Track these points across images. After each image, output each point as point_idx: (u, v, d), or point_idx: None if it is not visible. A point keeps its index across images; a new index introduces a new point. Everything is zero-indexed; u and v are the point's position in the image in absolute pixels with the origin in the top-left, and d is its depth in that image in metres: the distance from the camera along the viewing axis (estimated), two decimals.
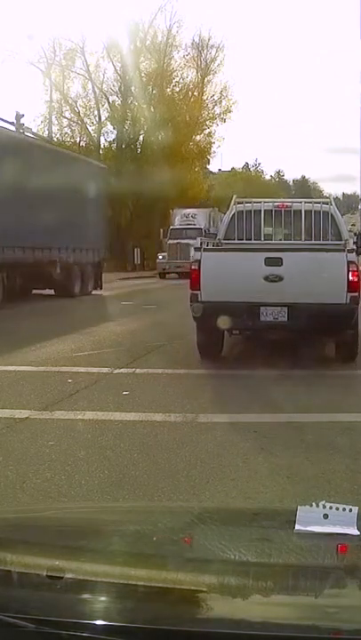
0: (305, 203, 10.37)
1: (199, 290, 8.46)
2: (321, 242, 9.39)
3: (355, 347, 8.73)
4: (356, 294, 8.28)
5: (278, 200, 11.47)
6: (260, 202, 10.40)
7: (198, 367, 8.48)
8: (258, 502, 4.06)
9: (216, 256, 8.93)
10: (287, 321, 8.34)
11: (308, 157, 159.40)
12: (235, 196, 10.44)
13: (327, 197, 10.69)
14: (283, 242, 9.58)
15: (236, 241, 9.61)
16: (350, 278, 8.22)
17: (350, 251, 8.54)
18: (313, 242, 9.43)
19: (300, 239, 9.62)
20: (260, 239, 9.69)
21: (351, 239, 9.69)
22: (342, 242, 9.03)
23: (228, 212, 10.36)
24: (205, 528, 1.84)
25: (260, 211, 9.88)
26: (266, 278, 8.31)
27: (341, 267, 8.28)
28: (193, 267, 8.63)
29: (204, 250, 8.81)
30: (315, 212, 9.74)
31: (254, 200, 10.54)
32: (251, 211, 9.85)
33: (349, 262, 8.31)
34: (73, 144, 41.40)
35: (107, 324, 13.19)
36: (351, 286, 8.21)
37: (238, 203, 10.13)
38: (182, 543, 1.71)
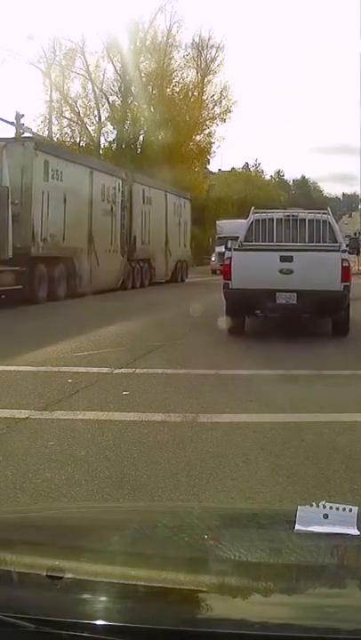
0: (308, 213, 13.06)
1: (230, 279, 11.07)
2: (321, 244, 11.86)
3: (347, 324, 11.29)
4: (348, 284, 10.92)
5: (288, 211, 14.72)
6: (273, 212, 13.39)
7: (198, 367, 8.49)
8: (258, 502, 4.06)
9: (243, 254, 11.43)
10: (296, 303, 10.84)
11: (309, 157, 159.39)
12: (253, 208, 13.20)
13: (326, 210, 13.21)
14: (292, 244, 11.80)
15: (254, 243, 12.09)
16: (344, 272, 10.82)
17: (344, 251, 11.23)
18: (315, 244, 11.89)
19: (305, 242, 11.98)
20: (273, 241, 12.05)
21: (345, 241, 12.20)
22: (337, 244, 11.60)
23: (247, 220, 12.90)
24: (205, 528, 1.84)
25: (273, 219, 12.56)
26: (280, 271, 10.85)
27: (337, 263, 10.87)
28: (226, 262, 11.25)
29: (234, 250, 11.38)
30: (316, 220, 12.37)
31: (268, 210, 13.55)
32: (266, 219, 12.57)
33: (343, 260, 10.94)
34: (73, 144, 41.44)
35: (107, 323, 13.18)
36: (344, 278, 10.82)
37: (256, 212, 12.77)
38: (182, 543, 1.71)
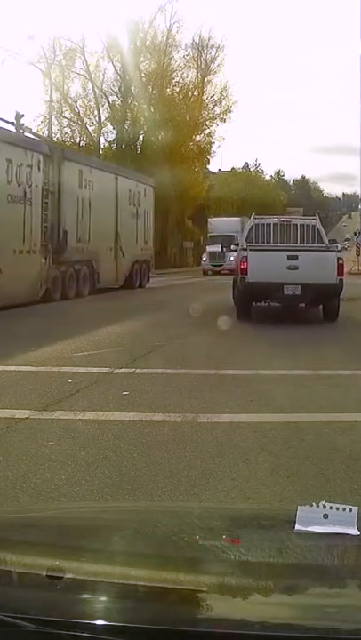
0: (299, 219, 16.36)
1: (246, 275, 13.25)
2: (316, 245, 14.35)
3: (337, 312, 13.70)
4: (342, 277, 13.38)
5: (282, 217, 16.99)
6: (270, 217, 15.95)
7: (198, 367, 8.49)
8: (258, 502, 4.06)
9: (257, 253, 13.60)
10: (300, 294, 13.25)
11: (309, 157, 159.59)
12: (253, 214, 15.64)
13: (314, 217, 16.00)
14: (296, 245, 14.18)
15: (254, 243, 14.20)
16: (339, 268, 13.28)
17: (338, 251, 14.10)
18: (312, 245, 14.32)
19: (297, 243, 14.34)
20: (270, 242, 14.37)
21: (339, 243, 15.80)
22: (323, 245, 14.35)
23: (248, 224, 15.39)
24: (205, 528, 1.84)
25: (270, 224, 14.96)
26: (288, 267, 13.15)
27: (333, 261, 13.39)
28: (242, 260, 13.45)
29: (250, 250, 13.60)
30: (306, 225, 14.95)
31: (266, 216, 16.19)
32: (263, 223, 14.97)
33: (338, 258, 13.54)
34: (73, 144, 41.45)
35: (106, 324, 13.18)
36: (339, 272, 13.26)
37: (256, 218, 15.26)
38: (182, 543, 1.71)
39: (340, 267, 13.36)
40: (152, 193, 27.00)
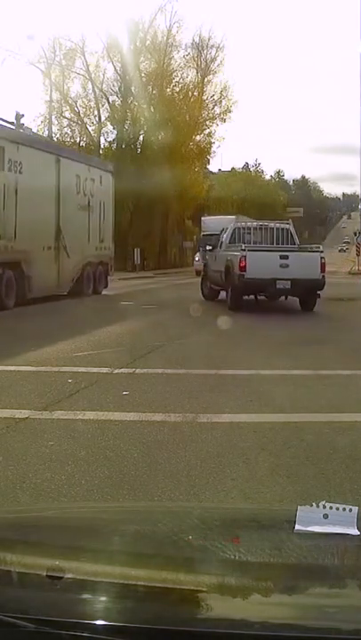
0: (275, 223, 18.38)
1: (245, 271, 15.28)
2: (290, 245, 16.91)
3: (315, 303, 15.90)
4: (324, 273, 15.91)
5: (260, 221, 19.52)
6: (250, 221, 19.31)
7: (198, 367, 8.49)
8: (258, 502, 4.06)
9: (254, 253, 15.72)
10: (290, 288, 15.63)
11: (309, 157, 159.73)
12: (235, 216, 18.90)
13: (288, 221, 18.70)
14: (288, 245, 16.80)
15: (236, 244, 16.54)
16: (322, 266, 15.80)
17: (321, 252, 16.72)
18: (292, 245, 17.00)
19: (273, 244, 16.84)
20: (250, 243, 16.49)
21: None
22: (295, 245, 17.12)
23: (230, 228, 17.88)
24: (205, 528, 1.84)
25: (250, 227, 17.91)
26: (280, 265, 15.46)
27: (317, 260, 15.98)
28: (241, 258, 15.40)
29: (248, 250, 15.65)
30: (281, 229, 17.53)
31: (246, 220, 19.60)
32: (244, 227, 17.90)
33: (321, 257, 16.10)
34: (73, 144, 41.46)
35: (107, 324, 13.18)
36: (322, 269, 15.78)
37: (236, 222, 18.51)
38: (182, 543, 1.71)
39: (323, 265, 15.86)
40: (111, 180, 22.56)
